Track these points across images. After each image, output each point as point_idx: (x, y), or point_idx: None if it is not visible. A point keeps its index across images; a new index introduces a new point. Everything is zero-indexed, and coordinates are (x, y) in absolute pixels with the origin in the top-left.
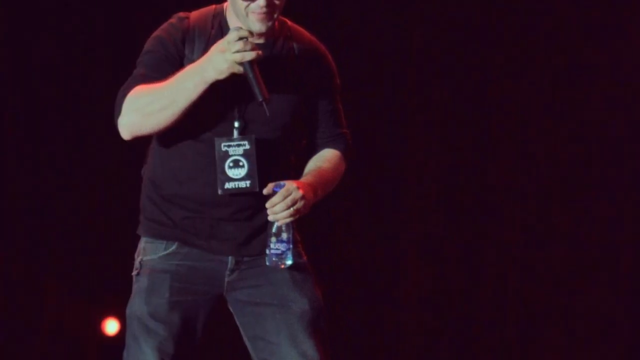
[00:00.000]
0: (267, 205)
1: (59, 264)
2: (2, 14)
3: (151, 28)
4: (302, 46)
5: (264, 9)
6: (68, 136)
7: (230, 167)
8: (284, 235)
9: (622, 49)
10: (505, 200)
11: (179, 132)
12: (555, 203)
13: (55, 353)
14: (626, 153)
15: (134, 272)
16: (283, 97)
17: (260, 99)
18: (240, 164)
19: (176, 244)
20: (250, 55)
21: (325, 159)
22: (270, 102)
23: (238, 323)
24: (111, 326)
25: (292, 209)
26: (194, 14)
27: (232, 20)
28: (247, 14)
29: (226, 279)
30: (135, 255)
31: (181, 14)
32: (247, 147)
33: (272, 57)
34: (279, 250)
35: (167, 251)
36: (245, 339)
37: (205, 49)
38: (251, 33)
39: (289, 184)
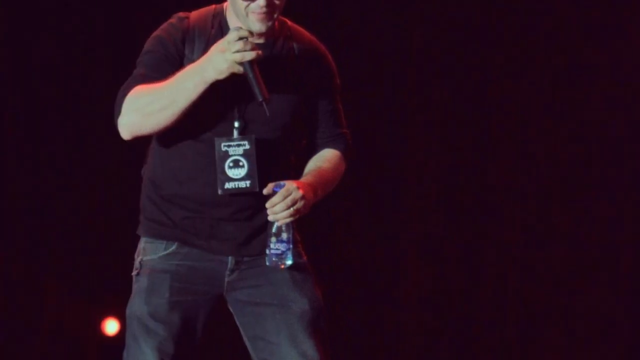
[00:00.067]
0: (267, 205)
1: (59, 264)
2: (2, 14)
3: (151, 28)
4: (302, 46)
5: (264, 9)
6: (68, 136)
7: (230, 167)
8: (284, 235)
9: (622, 49)
10: (505, 200)
11: (179, 132)
12: (555, 203)
13: (55, 353)
14: (626, 153)
15: (134, 272)
16: (283, 97)
17: (260, 99)
18: (240, 164)
19: (176, 244)
20: (250, 55)
21: (325, 159)
22: (270, 102)
23: (238, 323)
24: (111, 326)
25: (292, 209)
26: (194, 14)
27: (232, 20)
28: (247, 14)
29: (226, 279)
30: (135, 255)
31: (181, 14)
32: (247, 147)
33: (272, 57)
34: (279, 250)
35: (167, 251)
36: (245, 339)
37: (205, 49)
38: (251, 33)
39: (289, 184)
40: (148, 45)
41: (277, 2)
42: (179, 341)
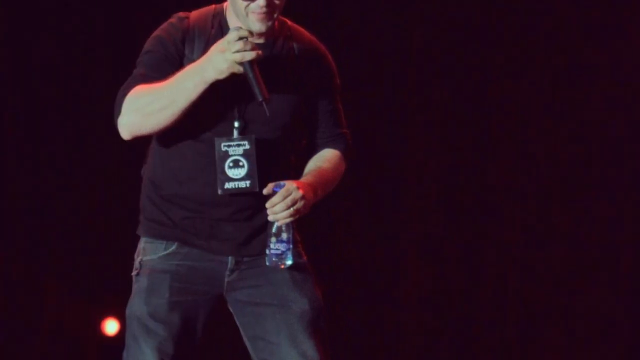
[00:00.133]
0: (267, 205)
1: (59, 264)
2: (2, 14)
3: (151, 28)
4: (302, 46)
5: (264, 9)
6: (68, 136)
7: (230, 167)
8: (284, 235)
9: (622, 49)
10: (505, 200)
11: (179, 132)
12: (555, 203)
13: (55, 353)
14: (626, 153)
15: (134, 272)
16: (283, 97)
17: (260, 99)
18: (240, 164)
19: (176, 244)
20: (250, 55)
21: (325, 159)
22: (270, 102)
23: (238, 323)
24: (111, 326)
25: (292, 209)
26: (194, 14)
27: (232, 20)
28: (247, 14)
29: (226, 279)
30: (135, 256)
31: (181, 14)
32: (247, 147)
33: (272, 57)
34: (279, 250)
35: (167, 251)
36: (245, 339)
37: (205, 49)
38: (251, 33)
39: (289, 184)
40: (148, 45)
41: (277, 2)
42: (179, 341)
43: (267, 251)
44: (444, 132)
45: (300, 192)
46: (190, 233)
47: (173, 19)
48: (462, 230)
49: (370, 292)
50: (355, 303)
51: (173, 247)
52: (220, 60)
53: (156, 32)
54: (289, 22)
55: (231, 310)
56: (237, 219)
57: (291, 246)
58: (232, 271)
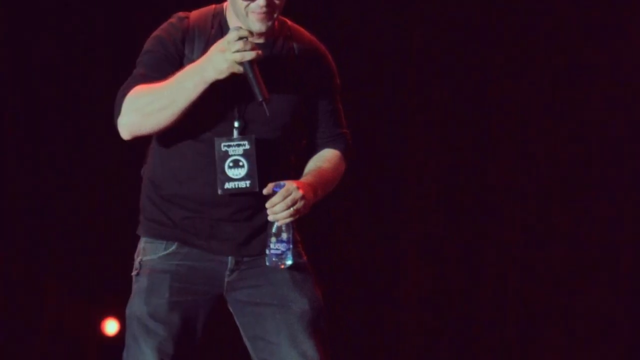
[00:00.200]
0: (267, 205)
1: (59, 264)
2: (2, 14)
3: (151, 28)
4: (302, 46)
5: (264, 9)
6: (68, 136)
7: (230, 167)
8: (284, 235)
9: (622, 49)
10: (505, 200)
11: (179, 132)
12: (555, 203)
13: (55, 353)
14: (626, 153)
15: (134, 273)
16: (283, 97)
17: (260, 99)
18: (240, 164)
19: (176, 244)
20: (250, 55)
21: (325, 159)
22: (270, 102)
23: (238, 323)
24: (111, 326)
25: (292, 209)
26: (194, 14)
27: (232, 20)
28: (247, 14)
29: (226, 279)
30: (135, 256)
31: (181, 14)
32: (247, 147)
33: (272, 57)
34: (279, 250)
35: (167, 251)
36: (245, 339)
37: (205, 49)
38: (251, 33)
39: (289, 184)
40: (148, 45)
41: (277, 2)
42: (179, 341)
43: (267, 251)
44: (444, 132)
45: (300, 192)
46: (190, 233)
47: (173, 19)
48: (462, 230)
49: (370, 292)
50: (355, 303)
51: (173, 247)
52: (220, 60)
53: (156, 32)
54: (289, 22)
55: (231, 310)
56: (237, 219)
57: (291, 246)
58: (232, 271)
